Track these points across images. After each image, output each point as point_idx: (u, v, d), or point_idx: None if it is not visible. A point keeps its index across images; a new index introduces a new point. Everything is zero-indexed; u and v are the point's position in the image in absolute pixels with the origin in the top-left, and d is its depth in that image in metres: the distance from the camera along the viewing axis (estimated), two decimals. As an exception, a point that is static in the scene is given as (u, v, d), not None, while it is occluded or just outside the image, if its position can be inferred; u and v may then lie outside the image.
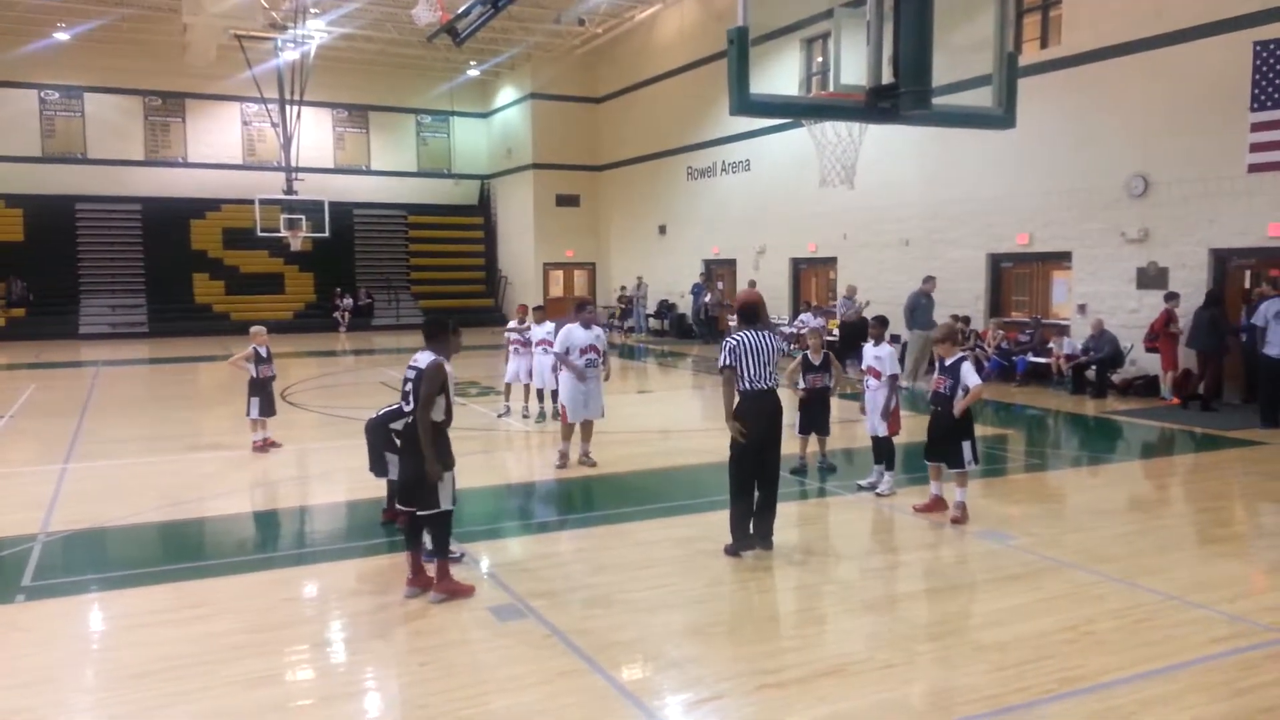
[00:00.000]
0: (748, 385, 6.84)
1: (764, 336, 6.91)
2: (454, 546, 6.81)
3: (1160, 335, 14.33)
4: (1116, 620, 5.65)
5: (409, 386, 6.09)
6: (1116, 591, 6.16)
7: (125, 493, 9.15)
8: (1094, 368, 15.25)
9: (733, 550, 6.94)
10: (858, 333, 17.92)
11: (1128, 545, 7.26)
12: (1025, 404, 14.75)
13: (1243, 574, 6.64)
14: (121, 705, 4.71)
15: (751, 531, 6.98)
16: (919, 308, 16.56)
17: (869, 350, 9.07)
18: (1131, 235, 15.40)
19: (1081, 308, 16.33)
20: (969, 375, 7.74)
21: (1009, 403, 14.91)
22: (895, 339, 17.43)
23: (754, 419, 6.80)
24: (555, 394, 12.12)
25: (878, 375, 8.87)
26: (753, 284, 23.49)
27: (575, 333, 9.82)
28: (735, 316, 7.25)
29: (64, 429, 12.67)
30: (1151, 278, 15.12)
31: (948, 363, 7.88)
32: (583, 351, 9.76)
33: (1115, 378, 15.22)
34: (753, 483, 6.90)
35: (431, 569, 6.23)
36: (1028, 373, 16.53)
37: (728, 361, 6.87)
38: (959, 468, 7.77)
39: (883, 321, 9.45)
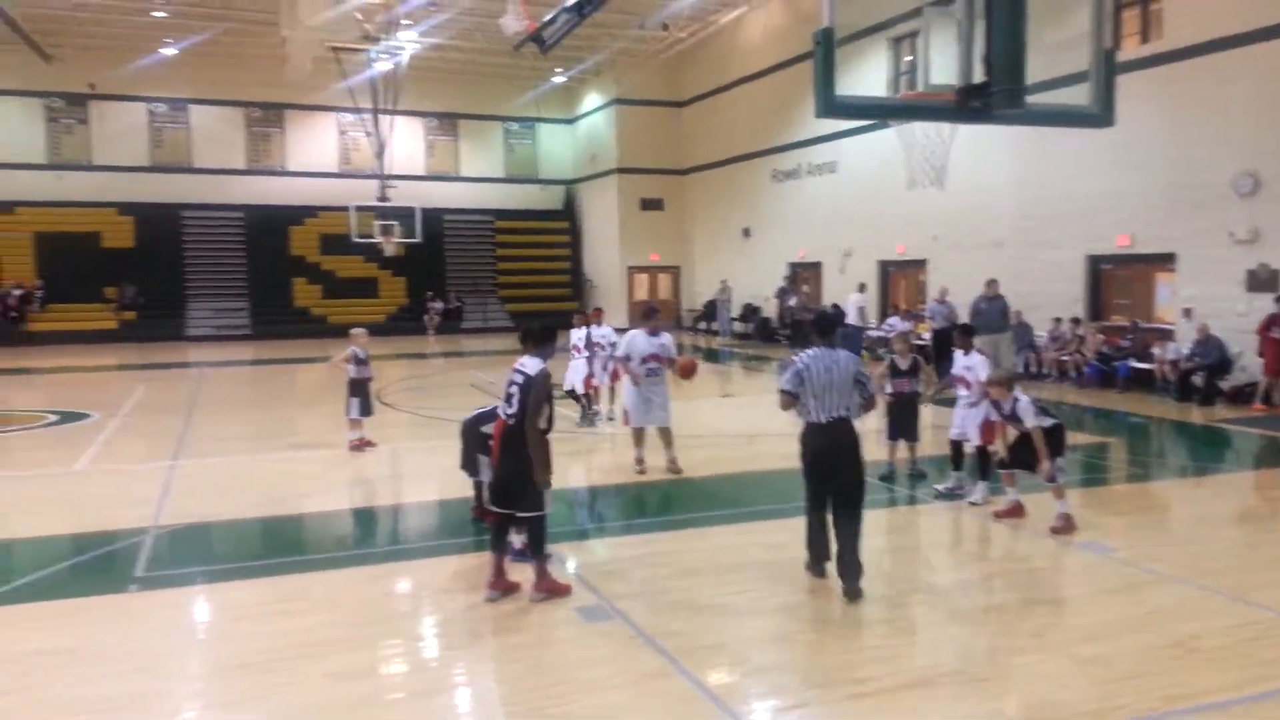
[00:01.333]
0: (811, 415, 6.18)
1: (837, 357, 6.23)
2: (524, 542, 6.89)
3: (1264, 339, 13.72)
4: (1225, 637, 5.41)
5: (513, 389, 6.11)
6: (1225, 607, 5.89)
7: (229, 489, 9.51)
8: (1201, 374, 14.62)
9: (809, 567, 6.52)
10: (951, 338, 17.58)
11: (1237, 559, 6.95)
12: (1128, 411, 14.23)
13: (1364, 592, 6.29)
14: (222, 694, 4.90)
15: (835, 568, 6.31)
16: (980, 311, 16.55)
17: (959, 360, 8.86)
18: (1240, 236, 14.73)
19: (1187, 312, 15.67)
20: (1028, 417, 7.54)
21: (1110, 409, 14.40)
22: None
23: (815, 455, 6.20)
24: (584, 396, 12.86)
25: (968, 385, 8.66)
26: (862, 286, 23.04)
27: (638, 340, 9.80)
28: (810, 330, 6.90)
29: (172, 427, 13.22)
30: (1262, 280, 14.43)
31: (1005, 409, 7.69)
32: (644, 360, 9.72)
33: (1224, 384, 14.56)
34: (821, 507, 6.32)
35: (516, 570, 6.32)
36: (1130, 379, 15.93)
37: (789, 387, 6.19)
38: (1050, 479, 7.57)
39: (968, 330, 9.19)
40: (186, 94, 32.43)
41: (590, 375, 12.79)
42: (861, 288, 22.75)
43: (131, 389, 17.82)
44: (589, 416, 13.01)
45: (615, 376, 13.27)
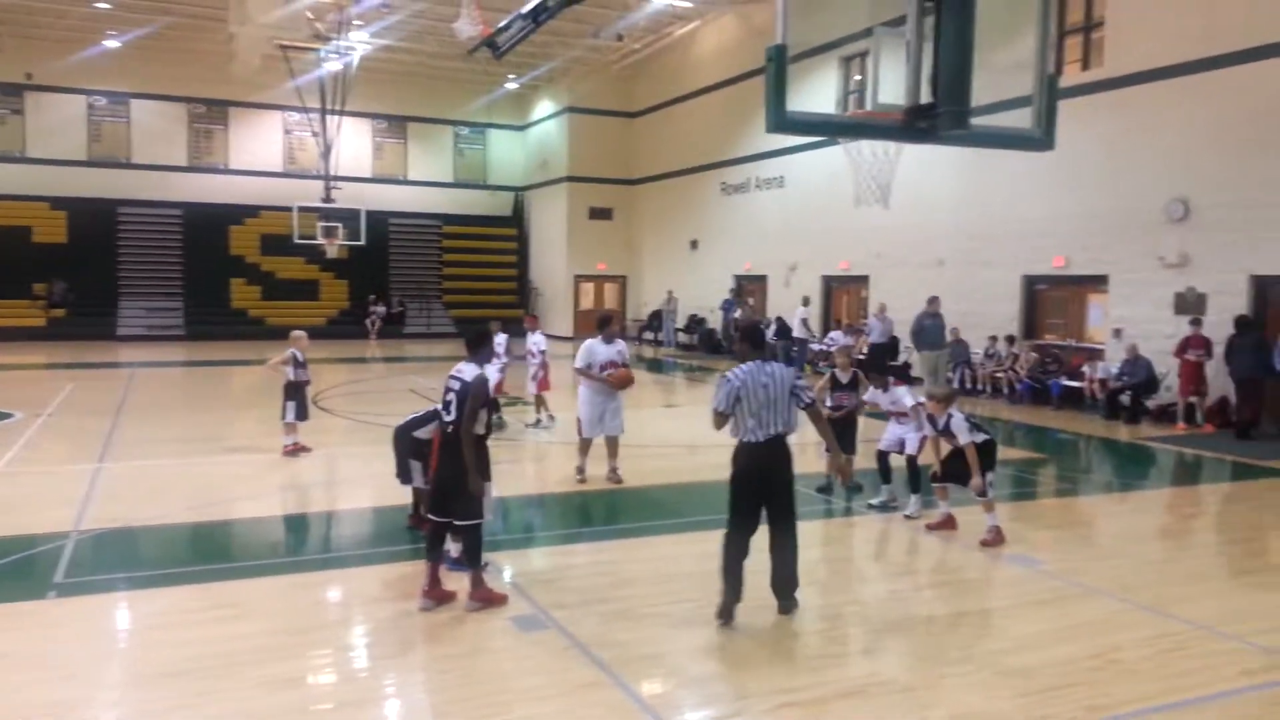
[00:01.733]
0: (749, 434, 5.79)
1: (771, 371, 5.85)
2: (460, 550, 6.83)
3: (1180, 361, 14.19)
4: (1146, 649, 5.56)
5: (450, 397, 6.06)
6: (1146, 620, 6.06)
7: (157, 493, 9.27)
8: (1128, 393, 15.04)
9: (721, 612, 5.81)
10: (887, 354, 17.87)
11: (1158, 573, 7.14)
12: (1058, 428, 14.57)
13: (1276, 605, 6.50)
14: (147, 703, 4.77)
15: (770, 583, 6.03)
16: (924, 329, 16.94)
17: (881, 398, 8.96)
18: (1170, 260, 15.20)
19: (1117, 332, 16.12)
20: (962, 433, 7.74)
21: (1042, 426, 14.73)
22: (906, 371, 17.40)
23: (752, 474, 5.85)
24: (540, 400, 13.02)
25: (902, 414, 8.79)
26: (806, 300, 23.27)
27: (596, 348, 9.82)
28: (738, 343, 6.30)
29: (99, 428, 12.87)
30: (1190, 304, 14.90)
31: (940, 424, 7.87)
32: (602, 367, 9.75)
33: (1150, 403, 15.00)
34: (748, 530, 5.87)
35: (451, 580, 6.26)
36: (1062, 397, 16.33)
37: (722, 407, 5.79)
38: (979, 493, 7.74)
39: (883, 370, 9.29)
40: (128, 88, 31.66)
41: (500, 382, 12.73)
42: (805, 301, 22.99)
43: (58, 388, 17.29)
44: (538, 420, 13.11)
45: (544, 385, 13.32)
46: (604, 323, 10.13)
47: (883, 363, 15.45)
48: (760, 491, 5.88)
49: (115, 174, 31.81)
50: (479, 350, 6.19)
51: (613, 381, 9.67)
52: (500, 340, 13.01)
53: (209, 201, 32.63)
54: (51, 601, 6.20)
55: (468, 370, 6.07)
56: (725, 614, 5.81)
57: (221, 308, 31.39)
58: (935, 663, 5.41)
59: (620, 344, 9.96)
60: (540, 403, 13.55)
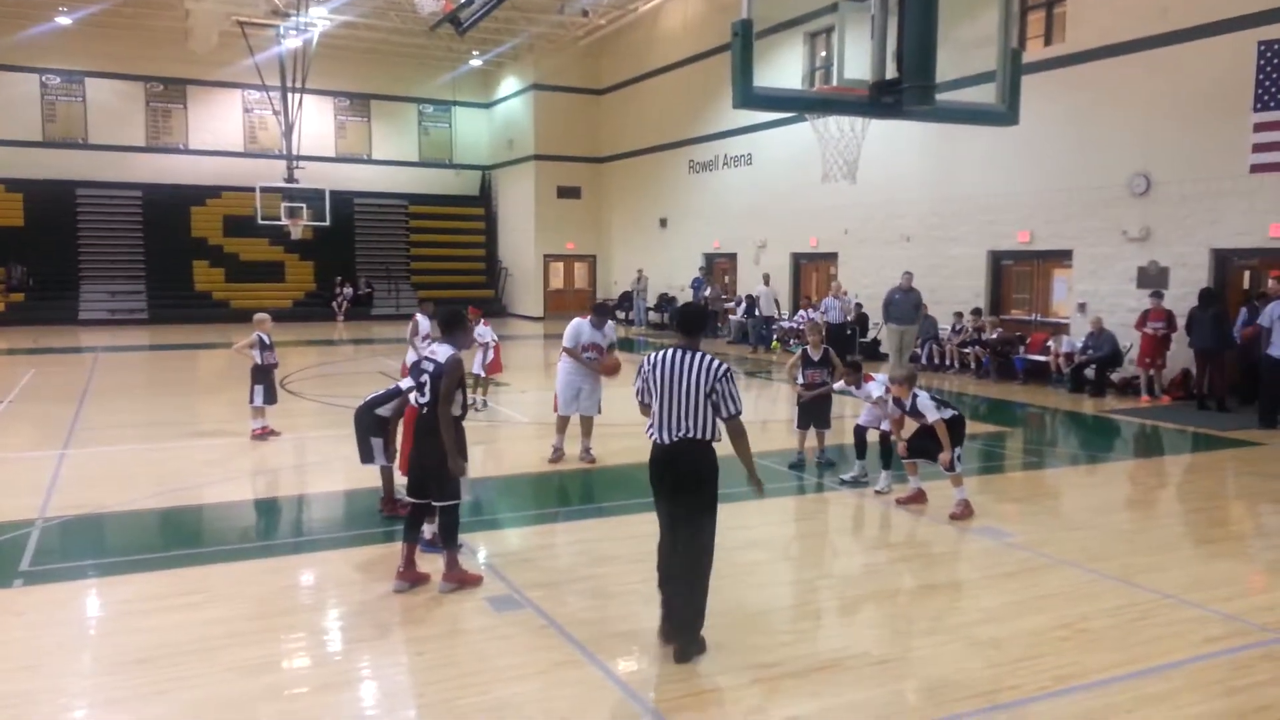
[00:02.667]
0: (652, 432, 5.07)
1: (689, 363, 4.97)
2: (434, 532, 6.82)
3: (1140, 334, 14.42)
4: (1112, 618, 5.67)
5: (425, 379, 6.00)
6: (1112, 589, 6.17)
7: (124, 479, 9.15)
8: (1093, 367, 15.26)
9: (659, 631, 5.22)
10: (845, 337, 17.91)
11: (1124, 544, 7.27)
12: (1025, 402, 14.75)
13: (1239, 574, 6.66)
14: (118, 690, 4.72)
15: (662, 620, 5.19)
16: (893, 302, 17.07)
17: (857, 392, 8.97)
18: (1133, 234, 15.40)
19: (1081, 306, 16.33)
20: (929, 412, 7.81)
21: (1008, 400, 14.91)
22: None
23: (651, 478, 5.18)
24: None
25: (877, 402, 8.85)
26: (766, 278, 23.36)
27: (583, 328, 9.81)
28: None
29: (63, 414, 12.67)
30: (1152, 277, 15.12)
31: (906, 405, 7.94)
32: (584, 349, 9.75)
33: (1114, 376, 15.22)
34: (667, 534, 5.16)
35: (426, 561, 6.25)
36: (1028, 371, 16.53)
37: (639, 396, 5.18)
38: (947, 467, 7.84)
39: (857, 366, 9.28)
40: (83, 66, 30.98)
41: (495, 361, 13.23)
42: (766, 279, 23.06)
43: (18, 374, 16.99)
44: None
45: (494, 369, 13.32)
46: (600, 310, 10.03)
47: (842, 345, 15.56)
48: (660, 501, 5.13)
49: (72, 155, 31.18)
50: (453, 331, 6.13)
51: (603, 371, 9.65)
52: (483, 331, 12.93)
53: (169, 182, 32.10)
54: (18, 590, 6.11)
55: (441, 351, 6.01)
56: (664, 633, 5.16)
57: (185, 290, 30.94)
58: (907, 635, 5.48)
59: (609, 327, 9.91)
60: (484, 385, 13.46)
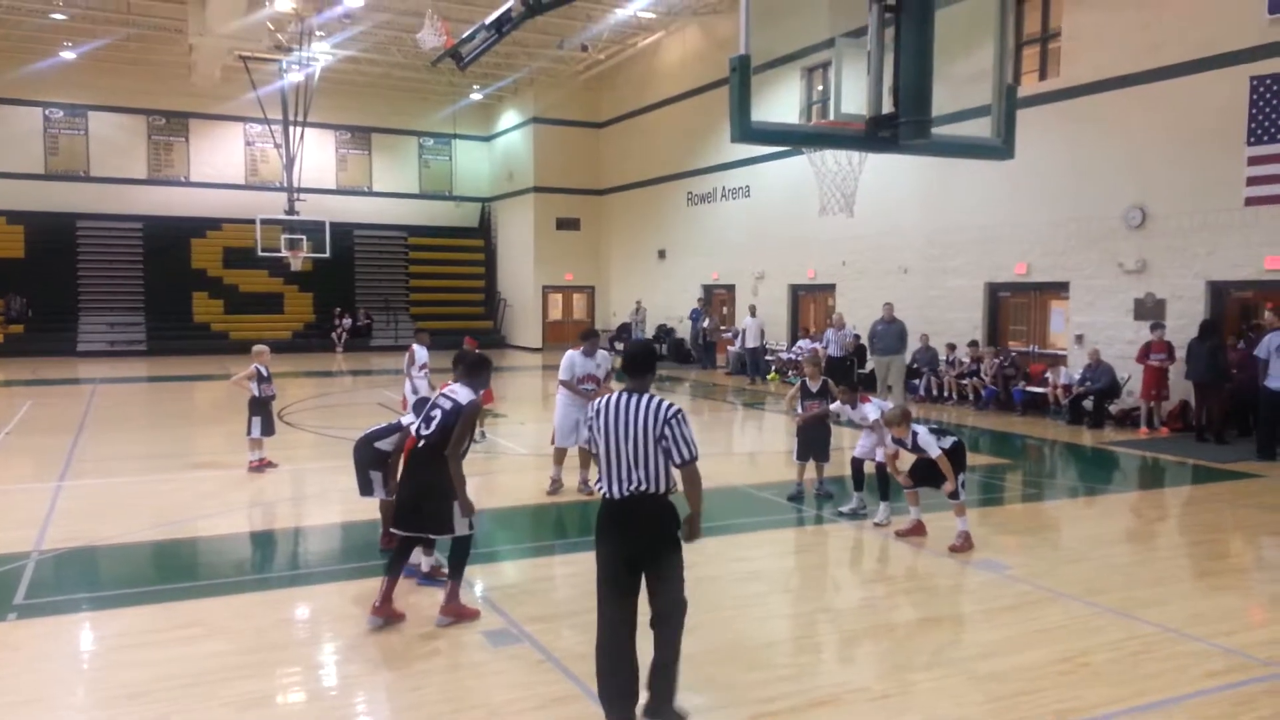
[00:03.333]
0: (602, 485, 4.57)
1: (637, 407, 4.52)
2: (432, 565, 6.80)
3: (1143, 366, 14.44)
4: (1113, 652, 5.63)
5: (436, 413, 6.01)
6: (1113, 623, 6.14)
7: (120, 511, 9.11)
8: (1091, 398, 15.27)
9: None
10: (845, 369, 17.93)
11: (1124, 576, 7.24)
12: (1023, 434, 14.74)
13: (1240, 607, 6.62)
14: (112, 726, 4.67)
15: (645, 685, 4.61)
16: (877, 334, 17.45)
17: (853, 414, 9.04)
18: (1129, 266, 15.47)
19: (1079, 338, 16.37)
20: (931, 448, 7.81)
21: (1006, 432, 14.90)
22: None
23: (600, 541, 4.62)
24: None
25: (873, 425, 8.87)
26: (753, 309, 23.47)
27: (577, 360, 9.83)
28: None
29: (60, 446, 12.64)
30: (1149, 309, 15.17)
31: (909, 444, 7.94)
32: (581, 380, 9.75)
33: (1112, 408, 15.23)
34: (611, 615, 4.56)
35: (418, 594, 6.21)
36: (1026, 403, 16.54)
37: (588, 446, 4.93)
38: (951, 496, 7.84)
39: (852, 387, 9.31)
40: (85, 100, 31.25)
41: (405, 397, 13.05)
42: (752, 311, 23.12)
43: (16, 406, 16.97)
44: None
45: (487, 399, 13.30)
46: (588, 336, 10.13)
47: (842, 376, 15.63)
48: (622, 567, 4.53)
49: (73, 187, 31.37)
50: (476, 376, 6.18)
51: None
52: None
53: (170, 215, 32.27)
54: (11, 624, 6.06)
55: (462, 393, 6.06)
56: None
57: (184, 322, 31.00)
58: (907, 669, 5.44)
59: (602, 356, 9.95)
60: (481, 416, 13.45)
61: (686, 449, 4.48)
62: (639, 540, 4.48)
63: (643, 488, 4.45)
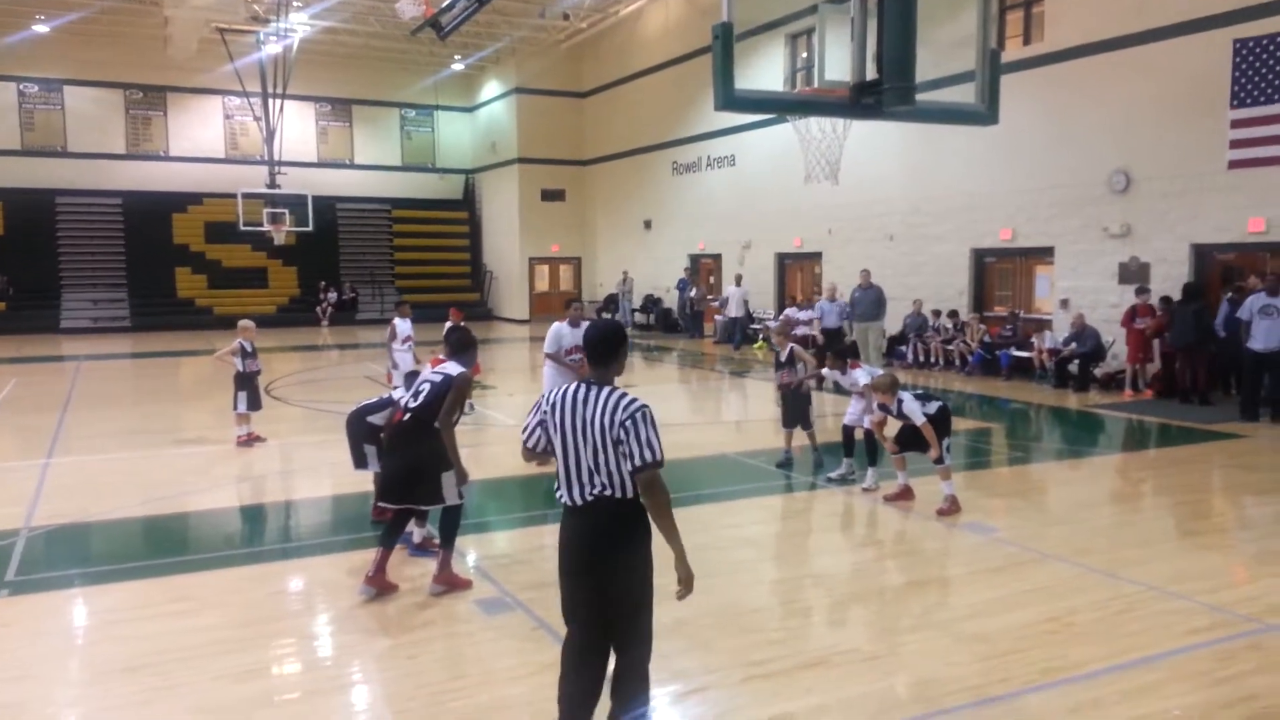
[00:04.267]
0: (560, 491, 3.91)
1: (594, 401, 3.81)
2: (424, 536, 6.83)
3: (1127, 330, 14.52)
4: (1098, 611, 5.72)
5: (425, 387, 6.11)
6: (1098, 583, 6.22)
7: (109, 487, 9.10)
8: (1076, 362, 15.37)
9: None
10: (841, 339, 17.91)
11: (1109, 537, 7.33)
12: (1009, 398, 14.84)
13: (1222, 565, 6.72)
14: (107, 699, 4.70)
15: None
16: (855, 301, 17.57)
17: (843, 380, 9.10)
18: (1113, 231, 15.52)
19: (1064, 302, 16.45)
20: (916, 415, 7.86)
21: (993, 396, 15.00)
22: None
23: (560, 555, 3.95)
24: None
25: (863, 390, 8.91)
26: (739, 278, 23.46)
27: (563, 331, 9.81)
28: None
29: (46, 424, 12.58)
30: (1133, 273, 15.24)
31: (894, 410, 7.99)
32: (569, 351, 9.75)
33: (1097, 371, 15.34)
34: (574, 638, 3.95)
35: (410, 565, 6.24)
36: (1011, 367, 16.64)
37: (529, 441, 3.99)
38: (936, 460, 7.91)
39: (842, 354, 9.34)
40: (60, 74, 30.76)
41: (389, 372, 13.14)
42: (738, 280, 23.10)
43: (1, 384, 16.85)
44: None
45: (474, 371, 13.30)
46: (569, 305, 10.13)
47: (838, 346, 15.66)
48: (579, 585, 3.88)
49: (51, 163, 30.98)
50: (464, 353, 6.36)
51: (582, 373, 9.64)
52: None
53: (150, 190, 31.91)
54: (3, 600, 6.07)
55: (452, 367, 6.21)
56: None
57: (167, 298, 30.79)
58: (896, 631, 5.51)
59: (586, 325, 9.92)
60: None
61: (648, 451, 3.72)
62: (600, 555, 3.80)
63: (607, 492, 3.79)
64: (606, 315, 9.38)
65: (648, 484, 3.76)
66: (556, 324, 9.97)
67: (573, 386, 3.91)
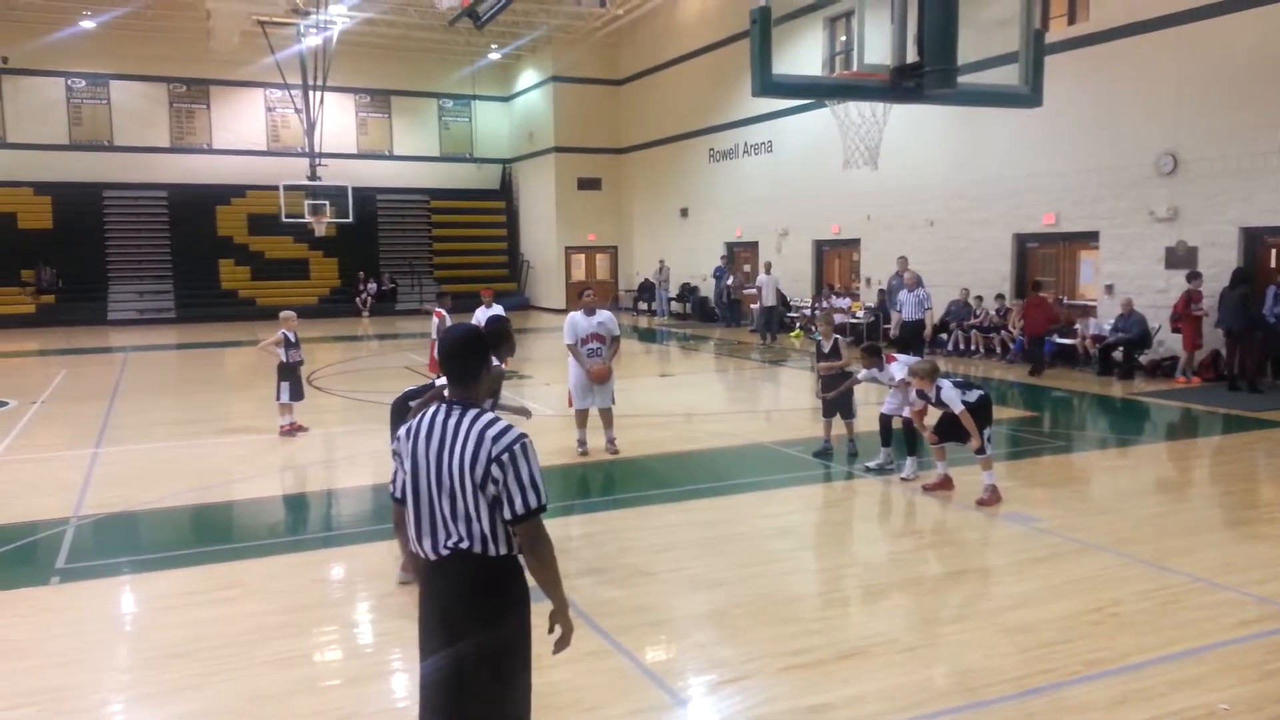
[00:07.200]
0: (413, 545, 3.12)
1: (457, 431, 3.02)
2: None
3: (1182, 316, 14.19)
4: (1144, 602, 5.62)
5: None
6: (1144, 573, 6.11)
7: (155, 476, 9.27)
8: (1121, 349, 15.09)
9: None
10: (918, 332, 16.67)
11: (1155, 527, 7.20)
12: (1052, 385, 14.62)
13: (1271, 556, 6.56)
14: (153, 685, 4.79)
15: None
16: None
17: (881, 376, 8.97)
18: (1160, 214, 15.19)
19: (1109, 288, 16.15)
20: (954, 403, 7.76)
21: (1035, 384, 14.78)
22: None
23: (423, 625, 3.18)
24: None
25: (900, 384, 8.81)
26: (768, 266, 23.30)
27: (579, 321, 9.80)
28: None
29: (95, 414, 12.84)
30: (1180, 257, 14.92)
31: (932, 397, 7.89)
32: (584, 341, 9.74)
33: (1143, 359, 15.05)
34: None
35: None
36: (1055, 354, 16.36)
37: (394, 489, 3.18)
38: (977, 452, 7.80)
39: (874, 350, 9.21)
40: (107, 69, 31.28)
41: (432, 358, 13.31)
42: (768, 268, 22.87)
43: (51, 375, 17.24)
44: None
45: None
46: (581, 294, 10.11)
47: (917, 343, 15.33)
48: (432, 662, 3.12)
49: (98, 157, 31.53)
50: (499, 347, 6.35)
51: (591, 377, 9.64)
52: (495, 308, 13.08)
53: (194, 183, 32.38)
54: (54, 587, 6.21)
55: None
56: None
57: (211, 289, 31.27)
58: (936, 622, 5.46)
59: (602, 314, 9.89)
60: None
61: (529, 495, 3.00)
62: (456, 629, 3.01)
63: (464, 544, 2.99)
64: (494, 313, 8.63)
65: (531, 537, 3.02)
66: (572, 314, 9.97)
67: (430, 410, 3.11)
